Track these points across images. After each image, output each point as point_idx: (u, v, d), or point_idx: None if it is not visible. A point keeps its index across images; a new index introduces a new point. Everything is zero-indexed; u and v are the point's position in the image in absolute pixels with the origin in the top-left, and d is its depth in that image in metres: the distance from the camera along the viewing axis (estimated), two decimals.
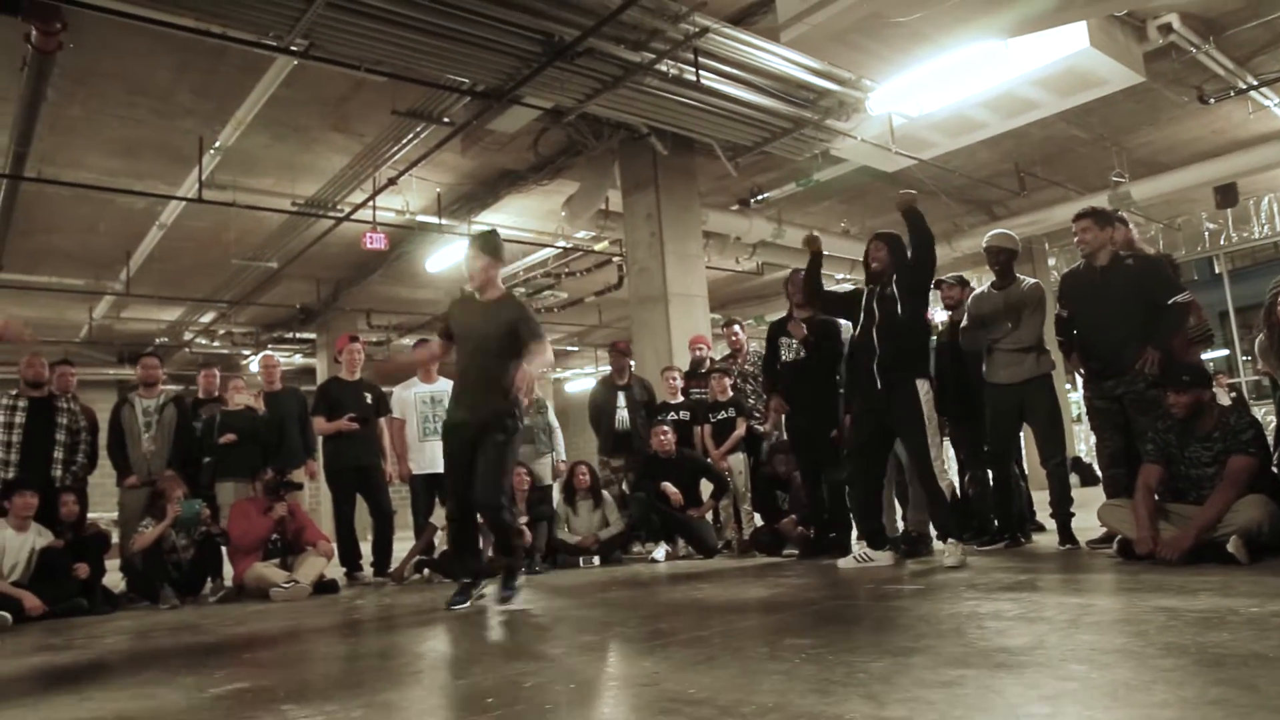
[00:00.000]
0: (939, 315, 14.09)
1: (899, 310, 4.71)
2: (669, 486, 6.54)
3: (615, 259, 11.79)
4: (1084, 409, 5.19)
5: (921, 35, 6.85)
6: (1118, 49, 7.07)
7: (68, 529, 5.69)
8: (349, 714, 2.27)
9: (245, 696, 2.61)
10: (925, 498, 4.86)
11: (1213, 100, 8.58)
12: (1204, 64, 7.87)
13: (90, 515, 6.22)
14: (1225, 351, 17.18)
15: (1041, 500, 5.33)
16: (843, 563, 4.82)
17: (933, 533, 5.06)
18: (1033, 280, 5.29)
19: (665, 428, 6.70)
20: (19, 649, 4.10)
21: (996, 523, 5.32)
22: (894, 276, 4.80)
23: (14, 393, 6.07)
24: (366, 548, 6.86)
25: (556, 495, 6.95)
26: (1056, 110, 8.08)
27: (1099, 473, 5.04)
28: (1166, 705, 1.77)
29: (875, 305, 4.80)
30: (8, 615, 4.89)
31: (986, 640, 2.55)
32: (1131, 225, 5.15)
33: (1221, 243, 13.50)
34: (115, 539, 6.64)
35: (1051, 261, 14.07)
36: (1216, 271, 14.45)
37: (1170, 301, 4.49)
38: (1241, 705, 1.72)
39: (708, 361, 7.34)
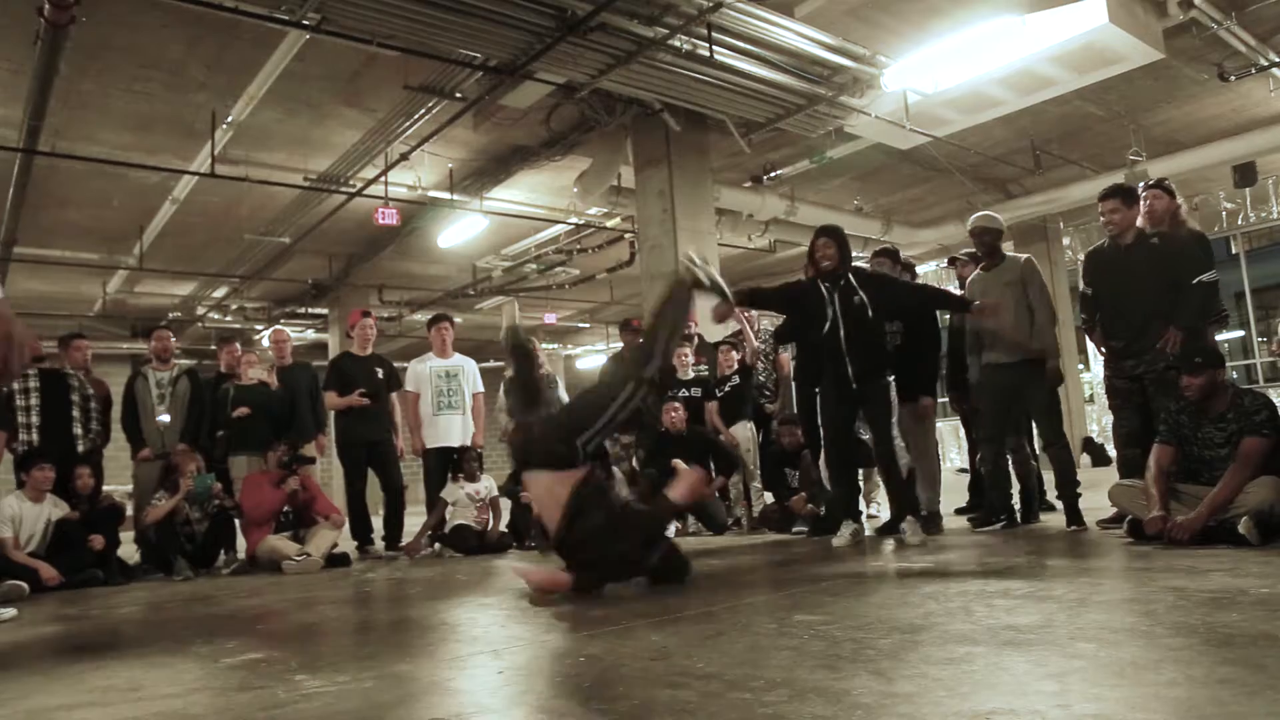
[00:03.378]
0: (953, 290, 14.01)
1: (869, 315, 4.72)
2: (679, 463, 6.55)
3: (627, 235, 11.76)
4: (1098, 388, 5.18)
5: (938, 10, 6.77)
6: (1137, 25, 6.97)
7: (83, 501, 5.75)
8: (361, 684, 2.30)
9: (258, 667, 2.64)
10: (923, 476, 5.18)
11: (1233, 78, 8.46)
12: (1225, 40, 7.75)
13: (105, 488, 6.29)
14: (1240, 333, 17.05)
15: (1050, 480, 5.31)
16: (836, 540, 4.86)
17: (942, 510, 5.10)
18: (1025, 256, 5.27)
19: (676, 404, 6.71)
20: (36, 618, 4.17)
21: (996, 502, 5.29)
22: (849, 274, 4.81)
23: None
24: (378, 522, 6.92)
25: None
26: (1074, 87, 7.99)
27: (1111, 453, 5.03)
28: (1175, 684, 1.77)
29: (839, 304, 4.73)
30: (24, 585, 4.96)
31: (994, 618, 2.55)
32: (1179, 198, 5.08)
33: (1239, 222, 13.35)
34: (129, 511, 6.71)
35: (1066, 241, 13.95)
36: (1234, 252, 14.30)
37: (1195, 281, 4.46)
38: (1249, 684, 1.73)
39: (696, 339, 7.28)
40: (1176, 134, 10.40)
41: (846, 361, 4.71)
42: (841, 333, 4.70)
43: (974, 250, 5.54)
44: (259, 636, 3.36)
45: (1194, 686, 1.76)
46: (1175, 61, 7.98)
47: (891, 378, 4.96)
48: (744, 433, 6.77)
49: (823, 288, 4.79)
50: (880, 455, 4.96)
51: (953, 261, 6.13)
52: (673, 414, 6.67)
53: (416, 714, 1.99)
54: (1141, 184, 5.10)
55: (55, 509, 5.56)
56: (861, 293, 4.71)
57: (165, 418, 6.35)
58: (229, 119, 8.05)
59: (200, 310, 15.17)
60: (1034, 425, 5.52)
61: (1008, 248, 5.63)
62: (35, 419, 5.97)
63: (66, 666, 2.86)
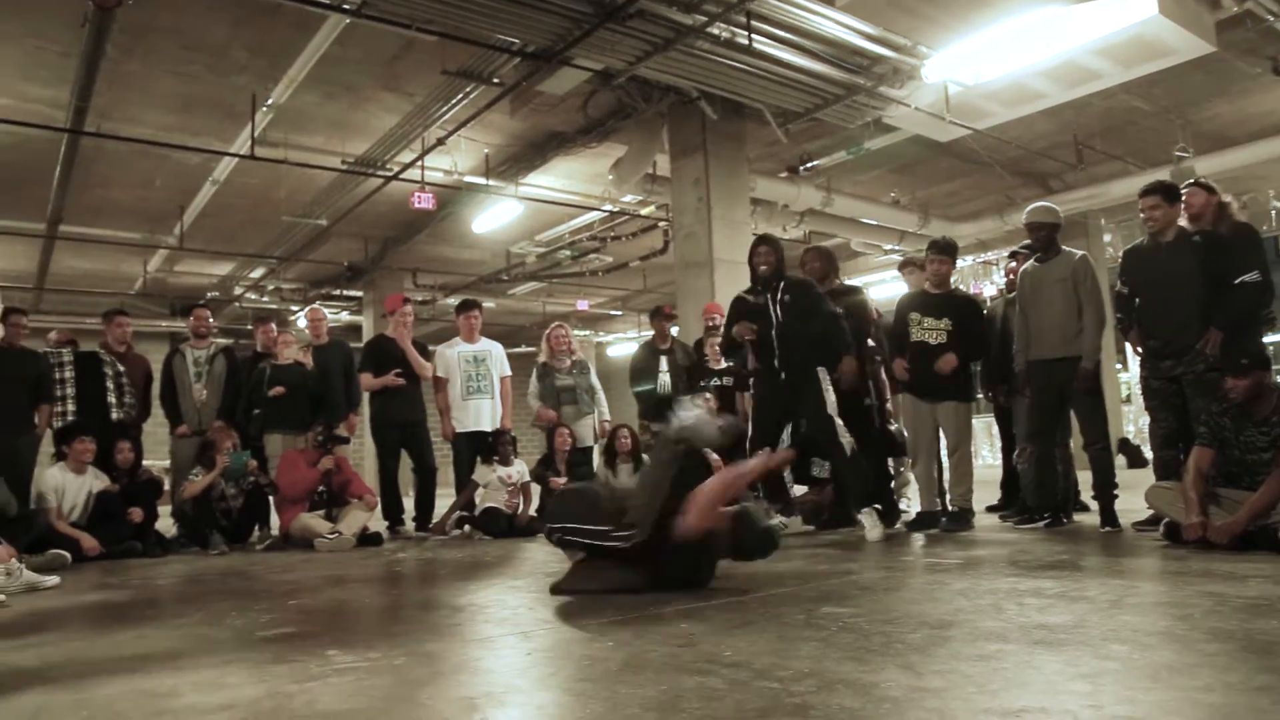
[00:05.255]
0: (988, 290, 13.85)
1: (798, 318, 5.05)
2: (710, 452, 6.52)
3: (661, 224, 11.73)
4: (1135, 389, 5.10)
5: (982, 0, 6.66)
6: (1188, 17, 6.79)
7: (123, 474, 5.88)
8: (392, 661, 2.33)
9: (292, 640, 2.69)
10: (955, 473, 5.19)
11: None
12: None
13: (144, 462, 6.43)
14: None
15: (1086, 480, 5.24)
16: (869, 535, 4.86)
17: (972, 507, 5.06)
18: (1080, 253, 5.16)
19: (707, 394, 6.69)
20: (79, 587, 4.27)
21: (1042, 500, 5.21)
22: (783, 279, 5.17)
23: (53, 348, 6.36)
24: (409, 503, 7.00)
25: (597, 457, 7.00)
26: (1120, 81, 7.82)
27: (1147, 455, 4.94)
28: (1210, 689, 1.75)
29: (775, 305, 5.11)
30: (67, 555, 5.09)
31: (1026, 617, 2.53)
32: (1228, 195, 4.93)
33: None
34: (167, 486, 6.85)
35: (1107, 238, 13.69)
36: None
37: (1238, 281, 4.36)
38: None
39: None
40: (1226, 129, 10.16)
41: (776, 356, 5.09)
42: (774, 331, 5.08)
43: (1029, 244, 5.41)
44: (292, 611, 3.42)
45: (1230, 693, 1.73)
46: (1227, 55, 7.76)
47: (821, 369, 5.04)
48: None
49: (763, 294, 5.20)
50: (824, 444, 5.10)
51: (1014, 255, 6.03)
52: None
53: (446, 692, 2.02)
54: (1142, 188, 4.95)
55: (96, 481, 5.70)
56: (788, 294, 5.11)
57: (202, 394, 6.46)
58: (269, 101, 8.14)
59: (237, 290, 15.38)
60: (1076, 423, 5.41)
61: None
62: (71, 391, 6.13)
63: (107, 634, 2.93)
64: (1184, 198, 4.71)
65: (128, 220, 11.70)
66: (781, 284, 5.16)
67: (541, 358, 7.14)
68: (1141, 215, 4.72)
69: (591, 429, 7.06)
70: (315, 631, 2.85)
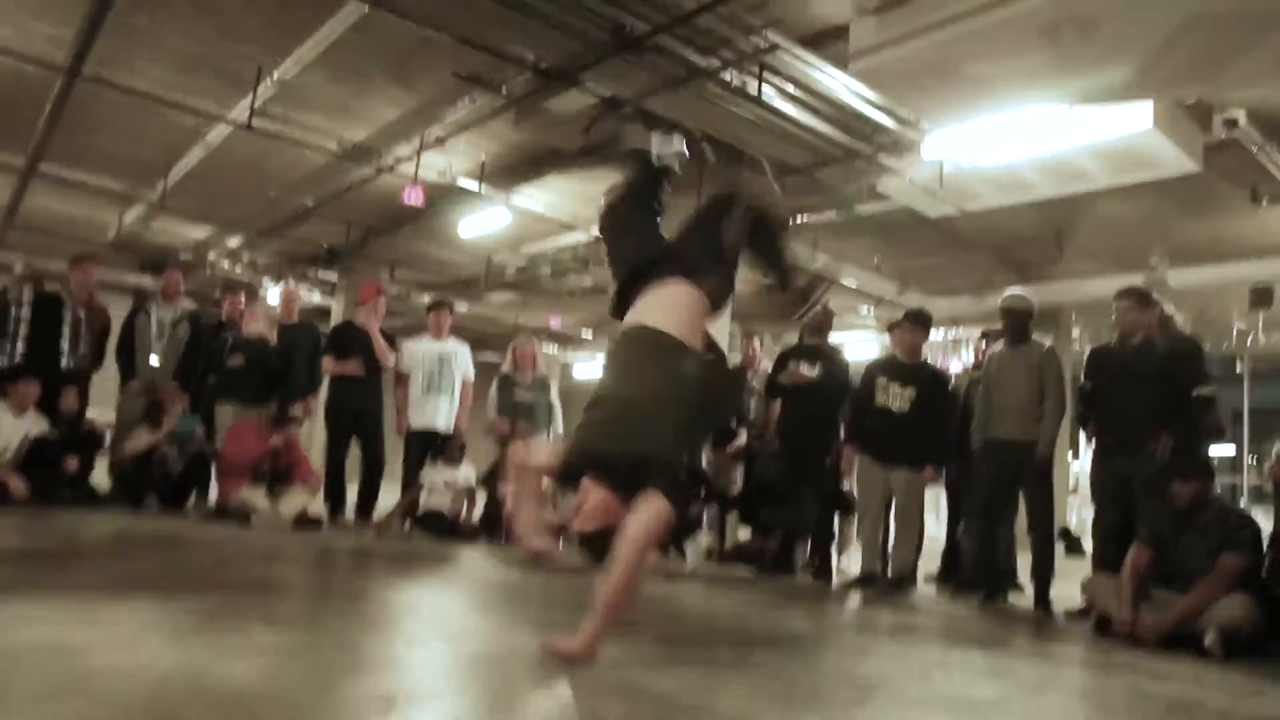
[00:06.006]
0: (955, 367, 14.06)
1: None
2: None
3: None
4: (1083, 480, 5.20)
5: (990, 89, 6.82)
6: (1180, 135, 7.02)
7: (65, 423, 5.73)
8: (316, 646, 2.29)
9: (215, 614, 2.63)
10: (903, 537, 5.32)
11: (1265, 202, 8.52)
12: (1262, 164, 7.81)
13: (89, 412, 6.27)
14: (1232, 449, 17.07)
15: (1026, 562, 5.28)
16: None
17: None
18: (1049, 343, 5.28)
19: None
20: (0, 529, 4.13)
21: (981, 576, 5.25)
22: None
23: (15, 283, 6.20)
24: (353, 493, 6.89)
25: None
26: (1107, 184, 8.03)
27: (1086, 546, 5.03)
28: None
29: None
30: None
31: (952, 688, 2.55)
32: (1169, 307, 5.13)
33: (1248, 344, 13.40)
34: (108, 440, 6.68)
35: (1075, 333, 14.00)
36: (1238, 371, 14.34)
37: (1195, 393, 4.48)
38: None
39: None
40: (1199, 246, 10.45)
41: None
42: None
43: (995, 329, 5.53)
44: (220, 584, 3.35)
45: None
46: (1211, 175, 8.03)
47: None
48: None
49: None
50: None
51: (985, 335, 6.16)
52: None
53: (366, 686, 1.99)
54: (1117, 292, 5.12)
55: (35, 426, 5.55)
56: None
57: (155, 362, 6.33)
58: (274, 75, 8.09)
59: (211, 256, 15.15)
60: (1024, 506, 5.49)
61: None
62: (24, 331, 5.96)
63: (27, 584, 2.84)
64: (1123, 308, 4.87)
65: (111, 169, 11.48)
66: None
67: (504, 368, 7.12)
68: (1113, 317, 4.85)
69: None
70: (241, 606, 2.79)
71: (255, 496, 5.71)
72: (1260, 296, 10.31)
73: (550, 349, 19.87)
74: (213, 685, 1.85)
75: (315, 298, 16.20)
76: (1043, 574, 4.87)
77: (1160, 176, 7.64)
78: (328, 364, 6.67)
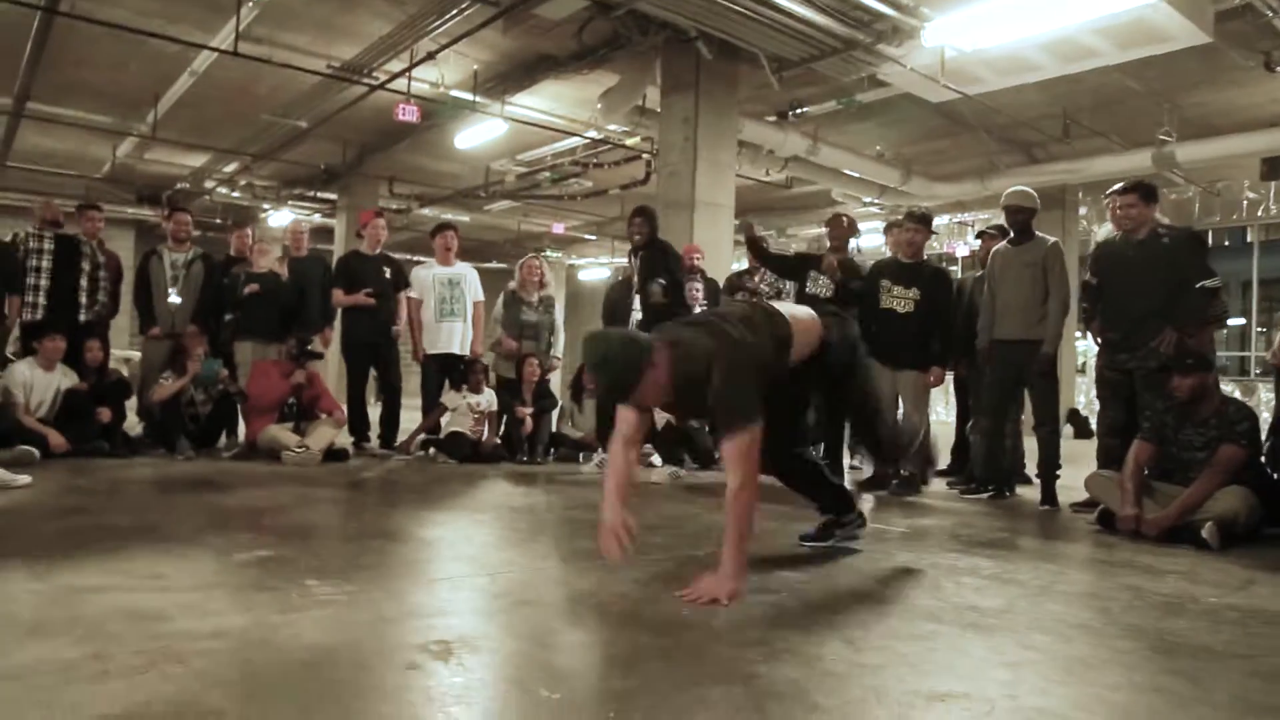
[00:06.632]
0: (961, 250, 13.98)
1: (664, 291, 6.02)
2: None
3: (645, 155, 11.64)
4: (1091, 358, 5.27)
5: None
6: (1189, 5, 6.82)
7: (91, 373, 5.87)
8: (369, 596, 2.47)
9: (269, 565, 2.81)
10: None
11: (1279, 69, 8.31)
12: (1277, 28, 7.59)
13: (112, 353, 6.41)
14: (1241, 321, 17.11)
15: (1033, 453, 5.44)
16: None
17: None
18: (1053, 240, 5.28)
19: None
20: (50, 489, 4.31)
21: (987, 474, 5.42)
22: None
23: (35, 230, 6.19)
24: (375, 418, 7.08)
25: (561, 392, 7.11)
26: (1115, 61, 7.84)
27: (1093, 428, 5.15)
28: (1118, 688, 1.94)
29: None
30: (35, 450, 5.13)
31: (961, 597, 2.73)
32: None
33: (1259, 214, 13.28)
34: (135, 386, 6.84)
35: (1082, 211, 13.87)
36: (1248, 240, 14.25)
37: (1199, 285, 4.53)
38: (1183, 696, 1.89)
39: (700, 274, 7.27)
40: (1211, 118, 10.26)
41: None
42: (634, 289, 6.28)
43: (999, 225, 5.52)
44: (266, 532, 3.54)
45: (1134, 692, 1.93)
46: (1222, 45, 7.82)
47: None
48: None
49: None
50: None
51: (981, 235, 6.16)
52: None
53: (421, 633, 2.16)
54: (1120, 186, 5.06)
55: (65, 379, 5.70)
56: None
57: (176, 299, 6.42)
58: None
59: (209, 184, 15.03)
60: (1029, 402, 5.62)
61: None
62: (45, 282, 6.04)
63: (91, 546, 3.01)
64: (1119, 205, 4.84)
65: (99, 103, 11.32)
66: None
67: (511, 285, 7.19)
68: (1118, 213, 4.84)
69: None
70: (291, 556, 2.97)
71: (283, 434, 5.89)
72: (1272, 167, 10.18)
73: (555, 255, 19.84)
74: (284, 645, 2.02)
75: (317, 218, 16.15)
76: (1049, 469, 5.04)
77: (1170, 49, 7.46)
78: (337, 296, 6.76)
